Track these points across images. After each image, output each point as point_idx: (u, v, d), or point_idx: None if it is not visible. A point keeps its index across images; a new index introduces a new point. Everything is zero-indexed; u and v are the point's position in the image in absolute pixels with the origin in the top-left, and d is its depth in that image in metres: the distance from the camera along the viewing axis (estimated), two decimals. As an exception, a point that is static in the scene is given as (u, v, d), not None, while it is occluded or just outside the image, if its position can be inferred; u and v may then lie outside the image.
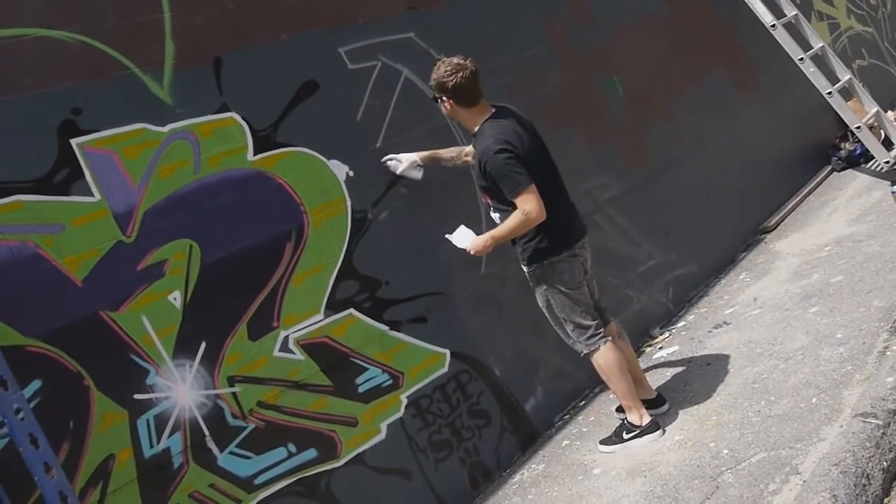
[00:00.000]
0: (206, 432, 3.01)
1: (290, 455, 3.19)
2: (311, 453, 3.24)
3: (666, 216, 5.20)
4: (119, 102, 3.06)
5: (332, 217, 3.56)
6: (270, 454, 3.14)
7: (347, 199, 3.63)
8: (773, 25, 5.92)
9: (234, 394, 3.12)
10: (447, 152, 3.82)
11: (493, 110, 3.31)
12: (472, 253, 3.35)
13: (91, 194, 2.91)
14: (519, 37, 4.72)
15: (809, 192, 6.35)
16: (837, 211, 5.63)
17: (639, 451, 3.35)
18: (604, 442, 3.52)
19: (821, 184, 6.52)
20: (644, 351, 4.48)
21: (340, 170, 3.64)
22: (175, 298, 3.05)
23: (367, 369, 3.50)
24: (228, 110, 3.34)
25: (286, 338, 3.30)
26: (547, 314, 3.46)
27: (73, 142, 2.91)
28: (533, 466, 3.65)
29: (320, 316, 3.42)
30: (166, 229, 3.07)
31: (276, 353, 3.27)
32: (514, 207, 3.18)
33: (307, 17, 3.76)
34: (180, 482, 2.90)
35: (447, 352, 3.77)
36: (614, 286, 4.63)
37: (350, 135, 3.75)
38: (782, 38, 5.92)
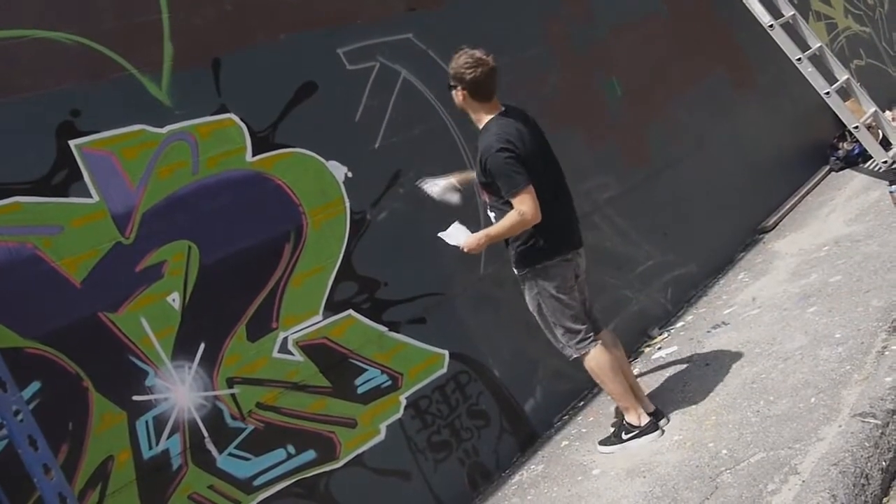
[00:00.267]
0: (205, 434, 3.01)
1: (290, 456, 3.19)
2: (310, 454, 3.24)
3: (665, 216, 5.21)
4: (118, 104, 3.06)
5: (331, 218, 3.56)
6: (269, 455, 3.14)
7: (346, 199, 3.63)
8: (771, 25, 5.92)
9: (233, 395, 3.12)
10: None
11: (503, 109, 3.30)
12: (465, 250, 3.31)
13: (90, 195, 2.91)
14: (519, 37, 4.73)
15: (808, 192, 6.36)
16: (836, 211, 5.64)
17: (638, 451, 3.34)
18: (603, 442, 3.51)
19: (819, 184, 6.53)
20: (643, 351, 4.48)
21: (339, 171, 3.64)
22: (174, 300, 3.05)
23: (366, 370, 3.50)
24: (227, 111, 3.35)
25: (285, 339, 3.30)
26: (537, 317, 3.44)
27: (72, 143, 2.91)
28: (532, 467, 3.65)
29: (319, 317, 3.42)
30: (165, 230, 3.07)
31: (275, 354, 3.27)
32: (512, 207, 3.18)
33: (306, 17, 3.76)
34: (179, 483, 2.90)
35: (446, 353, 3.77)
36: (613, 286, 4.64)
37: (349, 136, 3.75)
38: (780, 38, 5.92)
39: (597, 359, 3.38)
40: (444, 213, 3.77)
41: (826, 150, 6.84)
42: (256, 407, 3.16)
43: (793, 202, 6.17)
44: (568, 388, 4.17)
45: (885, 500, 2.59)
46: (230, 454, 3.05)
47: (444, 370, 3.75)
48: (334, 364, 3.42)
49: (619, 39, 5.43)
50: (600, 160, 4.92)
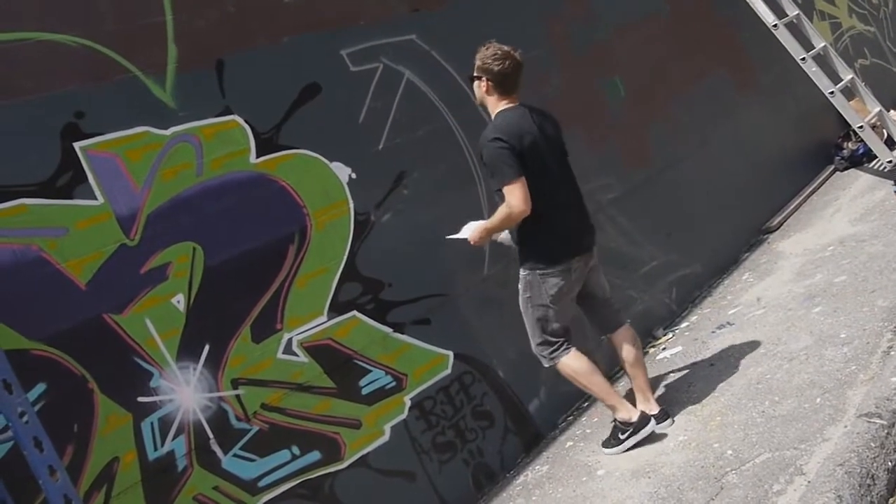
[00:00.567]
0: (210, 435, 3.01)
1: (294, 457, 3.19)
2: (314, 455, 3.24)
3: (668, 217, 5.20)
4: (122, 106, 3.06)
5: (335, 219, 3.56)
6: (274, 456, 3.14)
7: (350, 201, 3.63)
8: (775, 25, 5.91)
9: (237, 396, 3.12)
10: None
11: (518, 105, 3.29)
12: (471, 243, 3.34)
13: (94, 198, 2.92)
14: (521, 37, 4.70)
15: (812, 192, 6.34)
16: (840, 210, 5.62)
17: (642, 451, 3.34)
18: (605, 445, 3.51)
19: (823, 183, 6.51)
20: (647, 352, 4.47)
21: (343, 172, 3.65)
22: (178, 301, 3.05)
23: (370, 371, 3.50)
24: (231, 113, 3.35)
25: (289, 340, 3.30)
26: (524, 318, 3.44)
27: (77, 145, 2.91)
28: (537, 468, 3.65)
29: (323, 318, 3.42)
30: (169, 232, 3.08)
31: (280, 355, 3.27)
32: None
33: (309, 19, 3.76)
34: (184, 485, 2.91)
35: (450, 353, 3.77)
36: (617, 287, 4.62)
37: (352, 137, 3.75)
38: (784, 37, 5.91)
39: (570, 365, 3.38)
40: (448, 215, 3.79)
41: (830, 149, 6.83)
42: (261, 408, 3.16)
43: (797, 202, 6.16)
44: (572, 388, 4.13)
45: (890, 500, 2.58)
46: (235, 455, 3.05)
47: (449, 371, 3.75)
48: (339, 365, 3.42)
49: (621, 40, 5.43)
50: (603, 161, 4.92)
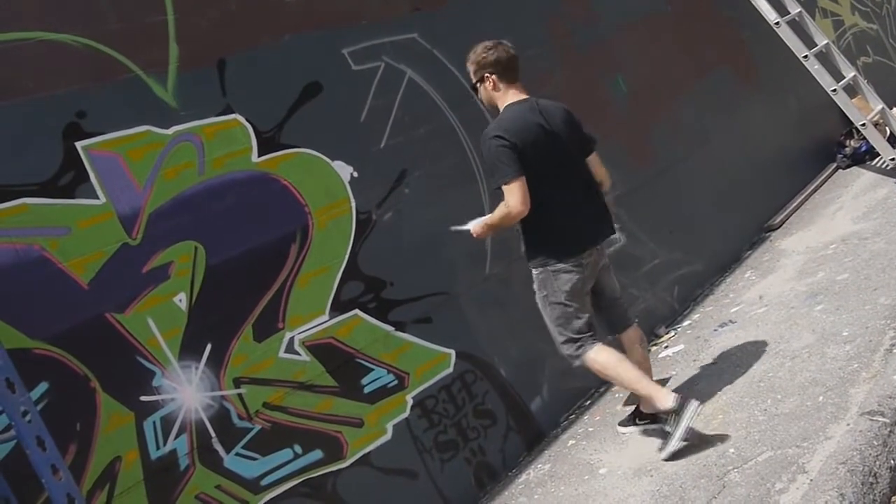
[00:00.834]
0: (213, 434, 3.02)
1: (297, 456, 3.19)
2: (317, 454, 3.25)
3: (670, 214, 5.20)
4: (123, 105, 3.07)
5: (337, 218, 3.56)
6: (277, 455, 3.15)
7: (352, 199, 3.63)
8: (777, 23, 5.91)
9: (239, 395, 3.12)
10: None
11: (526, 98, 3.24)
12: (473, 235, 3.31)
13: (96, 197, 2.92)
14: (523, 35, 4.71)
15: (815, 190, 6.34)
16: (843, 208, 5.61)
17: (644, 450, 3.33)
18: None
19: (826, 181, 6.51)
20: (650, 350, 4.47)
21: (344, 171, 3.65)
22: (180, 300, 3.06)
23: (372, 370, 3.50)
24: (232, 112, 3.35)
25: (291, 339, 3.31)
26: (544, 317, 3.38)
27: (78, 145, 2.92)
28: (539, 466, 3.65)
29: (325, 317, 3.42)
30: (171, 231, 3.08)
31: (282, 354, 3.27)
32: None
33: (310, 18, 3.76)
34: (187, 484, 2.91)
35: (452, 352, 3.77)
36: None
37: (354, 136, 3.76)
38: (786, 35, 5.90)
39: (596, 359, 3.27)
40: (449, 213, 3.79)
41: (833, 147, 6.82)
42: (263, 407, 3.17)
43: (800, 200, 6.15)
44: (574, 386, 4.16)
45: (893, 498, 2.58)
46: (237, 454, 3.06)
47: (451, 369, 3.75)
48: (341, 364, 3.42)
49: (622, 38, 5.42)
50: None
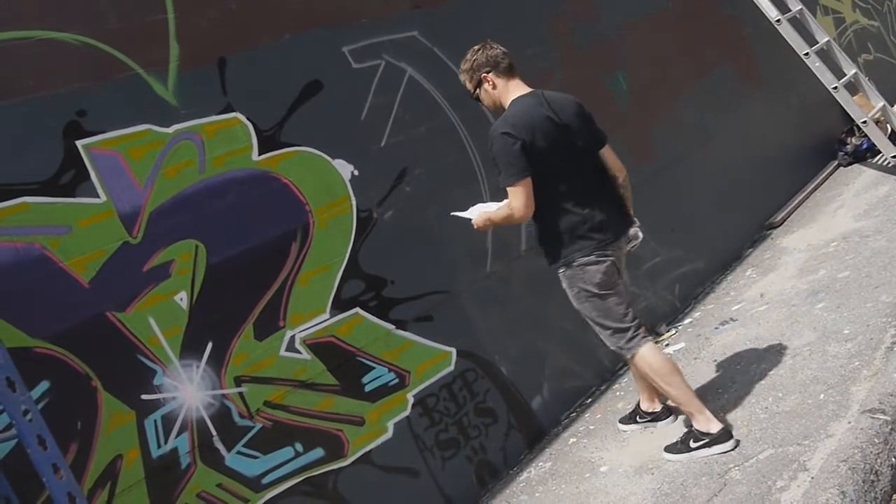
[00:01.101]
0: (214, 432, 3.02)
1: (298, 454, 3.20)
2: (318, 452, 3.25)
3: (671, 212, 5.19)
4: (124, 104, 3.07)
5: (337, 216, 3.56)
6: (278, 454, 3.15)
7: (352, 198, 3.63)
8: (779, 20, 5.90)
9: (240, 394, 3.13)
10: None
11: (531, 91, 3.14)
12: (474, 227, 3.22)
13: (97, 195, 2.92)
14: (523, 34, 4.72)
15: (816, 188, 6.33)
16: (844, 206, 5.61)
17: (645, 448, 3.34)
18: (669, 450, 3.19)
19: (827, 179, 6.50)
20: (650, 348, 4.47)
21: (345, 169, 3.65)
22: (181, 299, 3.06)
23: (373, 368, 3.50)
24: (233, 110, 3.35)
25: (292, 337, 3.31)
26: (586, 318, 3.20)
27: (79, 143, 2.92)
28: (540, 464, 3.65)
29: (326, 315, 3.42)
30: (172, 230, 3.08)
31: (283, 352, 3.27)
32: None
33: (310, 16, 3.76)
34: (188, 482, 2.91)
35: (453, 350, 3.77)
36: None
37: (354, 134, 3.75)
38: (787, 32, 5.89)
39: (646, 358, 3.09)
40: (451, 211, 3.78)
41: (834, 144, 6.81)
42: (264, 405, 3.17)
43: (801, 198, 6.14)
44: (575, 385, 4.17)
45: (894, 496, 2.57)
46: (238, 452, 3.06)
47: (452, 368, 3.75)
48: (341, 362, 3.42)
49: (624, 36, 5.42)
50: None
